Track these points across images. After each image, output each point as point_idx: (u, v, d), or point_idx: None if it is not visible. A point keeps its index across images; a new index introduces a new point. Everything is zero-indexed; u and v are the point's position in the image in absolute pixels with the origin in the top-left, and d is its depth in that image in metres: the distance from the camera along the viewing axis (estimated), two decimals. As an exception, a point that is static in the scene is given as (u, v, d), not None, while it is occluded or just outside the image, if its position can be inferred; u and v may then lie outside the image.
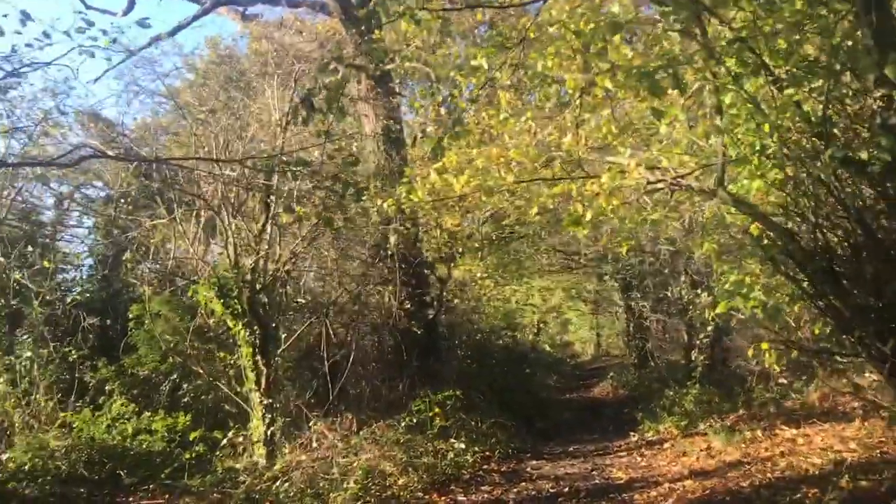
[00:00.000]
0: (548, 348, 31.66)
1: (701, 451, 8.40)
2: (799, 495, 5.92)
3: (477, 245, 19.88)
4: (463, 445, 9.43)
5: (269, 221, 9.95)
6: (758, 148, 6.31)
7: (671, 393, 10.76)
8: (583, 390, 20.79)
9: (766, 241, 6.17)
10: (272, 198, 9.84)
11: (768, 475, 6.80)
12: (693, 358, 11.25)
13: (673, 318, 17.78)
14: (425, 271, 13.16)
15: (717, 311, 7.52)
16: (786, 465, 6.98)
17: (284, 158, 8.85)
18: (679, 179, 6.92)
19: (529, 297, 28.75)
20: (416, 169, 10.48)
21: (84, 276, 14.49)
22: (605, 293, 32.87)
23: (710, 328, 11.30)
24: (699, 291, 11.54)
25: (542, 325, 35.08)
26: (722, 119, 6.00)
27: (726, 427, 8.81)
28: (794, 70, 5.69)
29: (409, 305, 11.91)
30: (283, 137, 8.73)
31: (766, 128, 5.91)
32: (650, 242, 11.91)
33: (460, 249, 18.05)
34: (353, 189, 6.42)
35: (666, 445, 9.20)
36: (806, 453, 7.25)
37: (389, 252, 11.63)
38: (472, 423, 10.41)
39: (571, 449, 10.40)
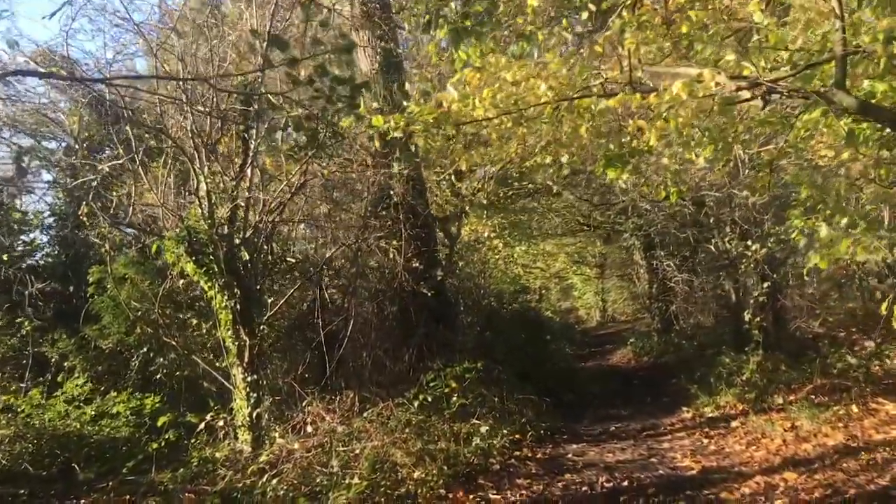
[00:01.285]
0: (550, 314, 30.16)
1: (785, 431, 6.84)
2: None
3: (485, 201, 18.22)
4: (488, 427, 7.83)
5: (249, 162, 8.25)
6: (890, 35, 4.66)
7: (727, 360, 9.19)
8: (599, 358, 19.24)
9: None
10: (252, 133, 8.13)
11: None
12: (747, 319, 9.68)
13: (702, 277, 16.20)
14: (434, 225, 11.48)
15: (813, 263, 5.96)
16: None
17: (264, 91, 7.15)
18: (776, 83, 5.22)
19: (536, 260, 27.20)
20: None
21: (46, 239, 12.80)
22: (613, 255, 31.43)
23: (765, 285, 9.72)
24: (749, 243, 9.92)
25: (544, 290, 33.61)
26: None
27: (810, 401, 7.25)
28: None
29: (416, 264, 10.25)
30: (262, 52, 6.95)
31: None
32: (693, 189, 10.29)
33: (467, 207, 16.44)
34: (346, 87, 4.69)
35: (734, 424, 7.64)
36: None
37: (393, 201, 9.93)
38: (495, 399, 8.82)
39: (613, 428, 8.84)
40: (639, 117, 7.37)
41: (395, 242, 9.98)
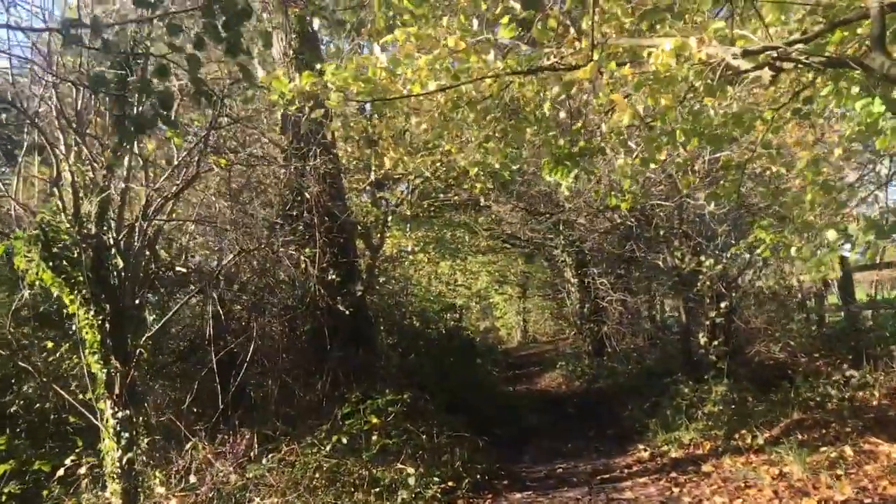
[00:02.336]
0: (470, 335, 29.05)
1: (774, 479, 5.78)
2: None
3: (409, 212, 16.95)
4: (416, 475, 6.46)
5: (126, 145, 6.69)
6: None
7: (685, 390, 8.13)
8: (526, 381, 18.11)
9: None
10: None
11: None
12: (702, 343, 8.73)
13: (640, 296, 15.40)
14: (353, 233, 10.08)
15: (813, 274, 4.99)
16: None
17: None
18: (786, 49, 4.17)
19: (464, 278, 26.07)
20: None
21: None
22: (536, 274, 30.72)
23: (723, 304, 8.80)
24: (702, 258, 9.01)
25: (464, 310, 32.54)
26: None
27: (793, 441, 6.24)
28: None
29: (331, 277, 8.83)
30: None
31: None
32: (642, 197, 9.35)
33: (389, 217, 15.19)
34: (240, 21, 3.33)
35: (706, 468, 6.55)
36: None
37: (307, 202, 8.48)
38: (423, 436, 7.47)
39: (559, 470, 7.61)
40: (596, 111, 6.37)
41: (307, 250, 8.54)
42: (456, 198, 19.63)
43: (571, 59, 5.38)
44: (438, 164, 16.37)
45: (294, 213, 8.43)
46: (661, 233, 9.61)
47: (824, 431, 6.52)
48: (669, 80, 4.79)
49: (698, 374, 8.46)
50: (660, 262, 9.99)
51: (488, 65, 5.33)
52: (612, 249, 15.49)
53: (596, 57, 4.80)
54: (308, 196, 8.30)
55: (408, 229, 17.10)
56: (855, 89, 4.55)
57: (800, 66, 4.24)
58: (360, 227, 10.34)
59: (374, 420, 7.13)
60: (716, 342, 8.57)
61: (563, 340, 28.70)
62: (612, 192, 7.20)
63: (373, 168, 12.64)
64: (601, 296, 15.99)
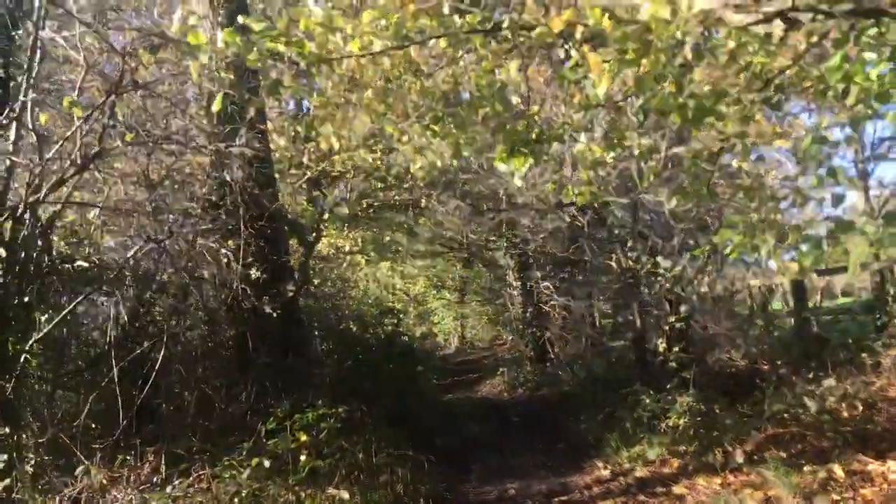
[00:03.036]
0: (409, 340, 28.26)
1: (759, 504, 5.19)
2: None
3: (346, 211, 16.09)
4: (349, 499, 5.62)
5: (10, 115, 5.70)
6: None
7: (646, 400, 7.50)
8: (465, 389, 17.41)
9: None
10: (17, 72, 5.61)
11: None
12: (661, 350, 8.16)
13: (585, 301, 14.88)
14: (283, 227, 9.17)
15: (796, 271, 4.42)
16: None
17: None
18: None
19: (402, 283, 25.31)
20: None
21: None
22: (475, 279, 30.16)
23: (683, 308, 8.26)
24: (659, 259, 8.48)
25: (402, 315, 31.70)
26: None
27: (775, 459, 5.67)
28: None
29: (258, 274, 7.91)
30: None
31: None
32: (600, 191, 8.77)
33: (325, 214, 14.32)
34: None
35: (679, 490, 5.90)
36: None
37: (230, 187, 7.53)
38: (360, 455, 6.63)
39: (511, 491, 6.86)
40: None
41: (230, 243, 7.59)
42: (396, 198, 18.88)
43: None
44: (379, 162, 15.59)
45: (215, 201, 7.46)
46: (616, 232, 9.04)
47: (801, 447, 6.00)
48: (658, 34, 4.10)
49: (657, 384, 7.88)
50: (612, 264, 9.43)
51: (444, 23, 4.58)
52: (557, 252, 14.97)
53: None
54: (231, 181, 7.35)
55: (345, 229, 16.21)
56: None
57: (818, 17, 3.62)
58: (291, 221, 9.43)
59: (304, 437, 6.25)
60: (676, 349, 8.03)
61: (500, 346, 28.22)
62: (570, 186, 6.54)
63: (307, 165, 11.81)
64: (544, 300, 15.45)
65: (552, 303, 15.28)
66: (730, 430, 6.49)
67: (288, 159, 12.93)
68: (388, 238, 20.58)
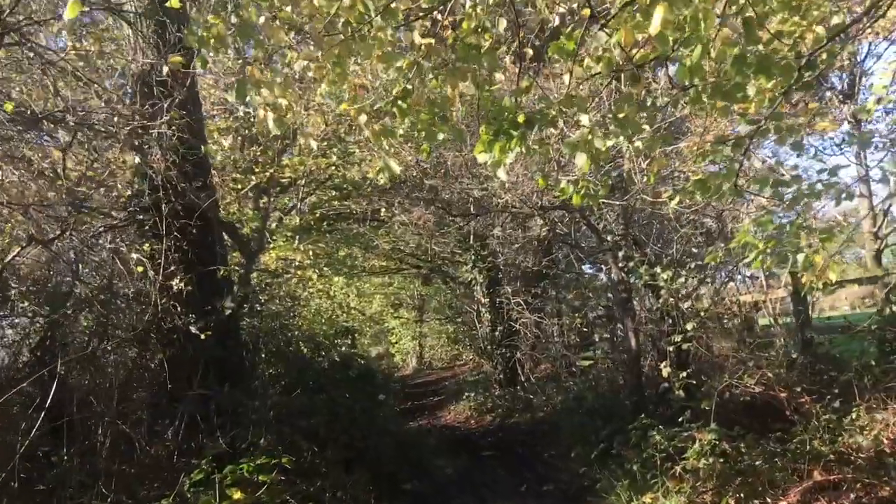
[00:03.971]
0: (368, 363, 26.81)
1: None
2: None
3: (298, 221, 14.69)
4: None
5: None
6: None
7: (657, 437, 6.19)
8: (428, 415, 16.01)
9: None
10: None
11: None
12: (666, 374, 6.94)
13: (563, 317, 13.77)
14: (219, 230, 7.76)
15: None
16: None
17: None
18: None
19: (357, 301, 23.92)
20: None
21: None
22: (435, 296, 28.91)
23: (689, 326, 7.06)
24: (658, 270, 7.33)
25: (356, 335, 30.11)
26: None
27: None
28: None
29: (185, 287, 6.48)
30: None
31: None
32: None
33: (273, 224, 12.95)
34: None
35: (719, 559, 4.72)
36: None
37: (151, 179, 6.10)
38: (311, 511, 5.26)
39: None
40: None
41: (146, 248, 6.15)
42: (353, 209, 17.51)
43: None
44: (333, 168, 14.23)
45: (132, 195, 6.04)
46: (607, 239, 7.87)
47: (858, 496, 4.84)
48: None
49: (660, 415, 6.67)
50: (601, 276, 8.26)
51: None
52: (529, 265, 13.80)
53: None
54: (153, 174, 5.93)
55: (296, 241, 14.77)
56: None
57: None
58: (229, 225, 8.04)
59: (237, 496, 4.86)
60: (683, 373, 6.84)
61: (461, 367, 26.93)
62: (565, 181, 5.33)
63: (253, 169, 10.47)
64: (514, 317, 14.23)
65: (523, 320, 14.08)
66: (764, 474, 5.30)
67: (232, 163, 11.54)
68: (342, 252, 19.18)
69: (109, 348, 6.94)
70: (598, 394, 8.83)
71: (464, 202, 10.00)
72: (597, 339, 12.48)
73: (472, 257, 14.43)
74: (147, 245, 6.16)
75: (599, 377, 9.90)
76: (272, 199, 15.16)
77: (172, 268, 6.22)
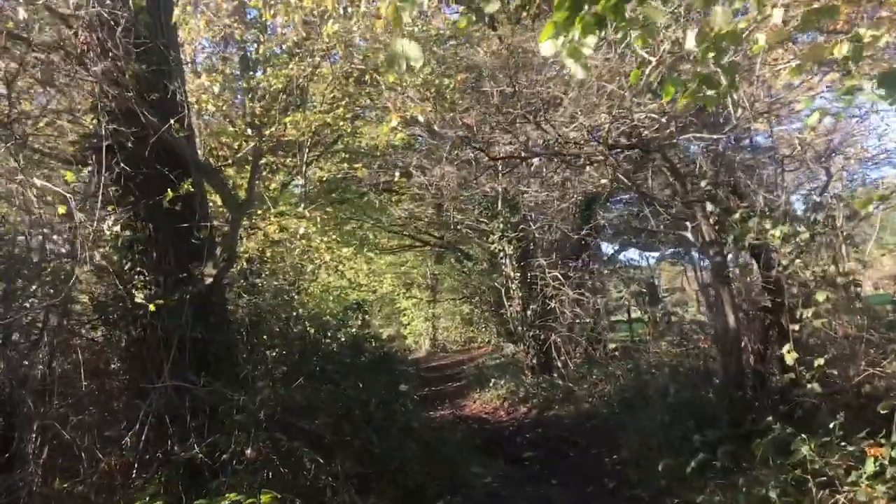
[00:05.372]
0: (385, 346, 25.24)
1: None
2: None
3: (304, 186, 12.96)
4: None
5: None
6: None
7: (801, 450, 4.33)
8: (448, 403, 14.26)
9: None
10: None
11: None
12: (786, 359, 5.09)
13: (595, 296, 12.02)
14: (202, 187, 6.00)
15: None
16: None
17: None
18: None
19: (368, 280, 22.23)
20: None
21: None
22: (449, 275, 27.24)
23: (821, 297, 5.15)
24: (767, 225, 5.50)
25: (367, 315, 28.49)
26: None
27: None
28: None
29: (124, 236, 4.70)
30: None
31: None
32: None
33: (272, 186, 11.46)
34: None
35: None
36: None
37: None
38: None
39: None
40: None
41: (68, 176, 4.36)
42: (364, 173, 15.73)
43: None
44: (342, 124, 12.36)
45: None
46: (702, 184, 6.00)
47: None
48: None
49: (777, 416, 4.83)
50: (688, 235, 6.42)
51: None
52: (569, 232, 12.01)
53: None
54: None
55: (301, 206, 13.01)
56: None
57: None
58: (213, 171, 6.25)
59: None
60: (820, 360, 4.97)
61: (477, 349, 25.36)
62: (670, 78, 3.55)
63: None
64: (549, 294, 12.44)
65: (560, 297, 12.30)
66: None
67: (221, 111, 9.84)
68: (351, 226, 17.42)
69: (39, 326, 5.18)
70: (682, 384, 6.97)
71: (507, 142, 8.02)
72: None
73: (501, 225, 12.60)
74: (69, 174, 4.37)
75: (672, 365, 8.05)
76: (273, 163, 13.40)
77: (138, 227, 4.44)
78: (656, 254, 20.28)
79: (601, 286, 13.72)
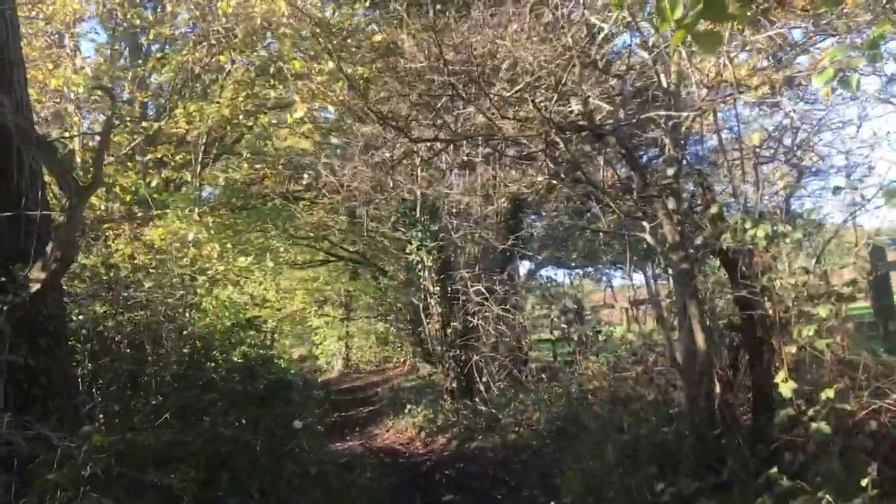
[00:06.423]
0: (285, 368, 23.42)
1: None
2: None
3: (192, 182, 11.41)
4: None
5: None
6: None
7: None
8: (359, 432, 12.83)
9: None
10: None
11: None
12: (789, 397, 4.00)
13: (516, 313, 10.96)
14: (35, 168, 4.54)
15: None
16: None
17: None
18: None
19: (276, 297, 20.53)
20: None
21: None
22: (365, 292, 25.82)
23: (823, 312, 4.15)
24: (747, 224, 4.49)
25: (275, 335, 26.61)
26: None
27: None
28: None
29: None
30: None
31: None
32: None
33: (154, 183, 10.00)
34: None
35: None
36: None
37: None
38: None
39: None
40: None
41: None
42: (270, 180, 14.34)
43: None
44: (241, 116, 11.01)
45: None
46: (668, 172, 4.94)
47: None
48: None
49: (776, 462, 3.78)
50: (646, 236, 5.34)
51: None
52: (492, 241, 10.91)
53: None
54: None
55: (193, 211, 11.45)
56: None
57: None
58: (47, 144, 4.76)
59: None
60: (829, 393, 3.92)
61: (393, 370, 24.11)
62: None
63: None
64: (471, 311, 11.29)
65: (484, 314, 11.16)
66: None
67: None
68: (254, 234, 15.79)
69: None
70: (634, 416, 5.82)
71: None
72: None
73: (420, 234, 11.36)
74: None
75: (618, 393, 6.89)
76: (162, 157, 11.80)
77: None
78: (579, 271, 19.60)
79: (519, 302, 12.70)
